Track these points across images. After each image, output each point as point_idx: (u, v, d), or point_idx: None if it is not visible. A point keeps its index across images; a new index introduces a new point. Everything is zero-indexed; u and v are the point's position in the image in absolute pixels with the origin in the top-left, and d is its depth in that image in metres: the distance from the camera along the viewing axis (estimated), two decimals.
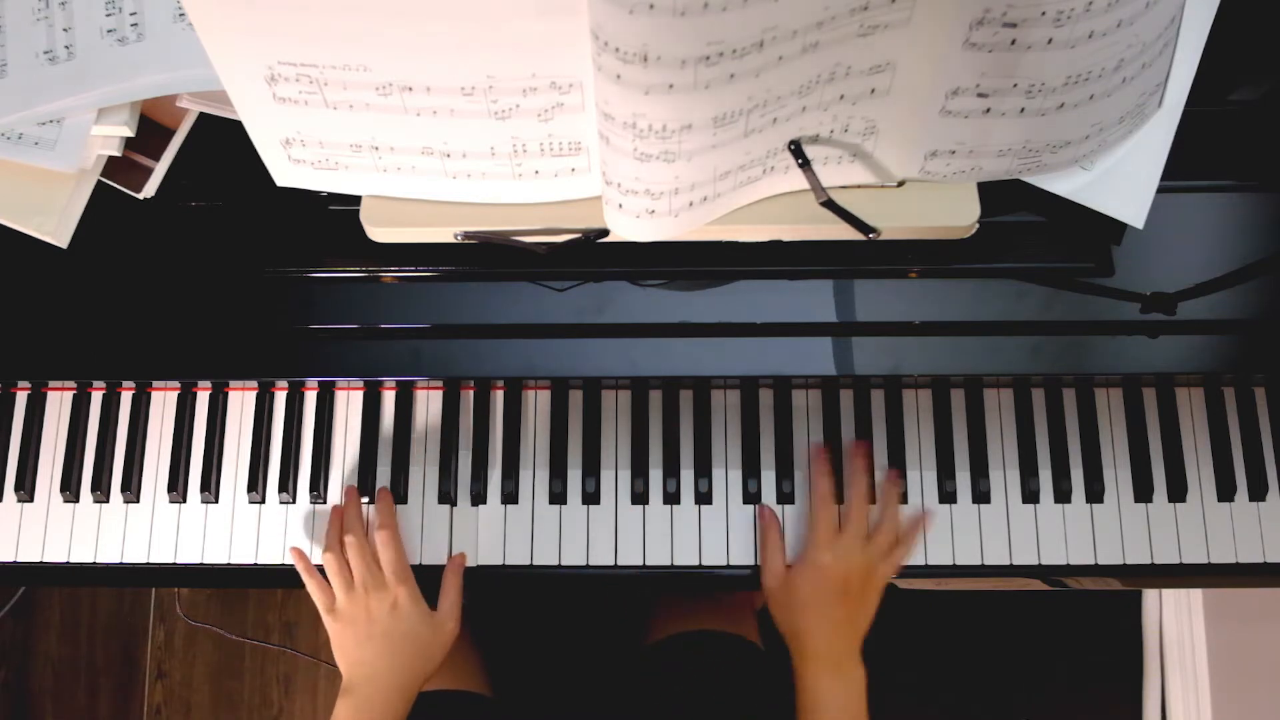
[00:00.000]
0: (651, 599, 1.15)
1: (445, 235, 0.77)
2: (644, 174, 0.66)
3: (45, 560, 0.88)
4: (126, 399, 0.91)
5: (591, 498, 0.87)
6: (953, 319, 0.81)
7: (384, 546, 0.83)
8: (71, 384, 0.91)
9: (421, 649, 0.81)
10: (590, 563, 0.86)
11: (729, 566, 0.86)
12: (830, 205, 0.73)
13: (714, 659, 0.98)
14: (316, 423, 0.90)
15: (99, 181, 0.85)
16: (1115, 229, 0.79)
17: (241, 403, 0.91)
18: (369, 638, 0.81)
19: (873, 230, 0.74)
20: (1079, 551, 0.85)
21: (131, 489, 0.89)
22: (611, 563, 0.86)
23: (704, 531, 0.86)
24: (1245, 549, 0.85)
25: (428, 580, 0.85)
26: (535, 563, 0.86)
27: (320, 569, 0.85)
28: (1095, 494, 0.86)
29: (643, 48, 0.56)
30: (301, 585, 0.85)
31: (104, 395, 0.91)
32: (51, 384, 0.91)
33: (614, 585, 0.87)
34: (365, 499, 0.88)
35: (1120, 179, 0.77)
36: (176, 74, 0.79)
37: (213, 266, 0.84)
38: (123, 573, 0.88)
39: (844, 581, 0.80)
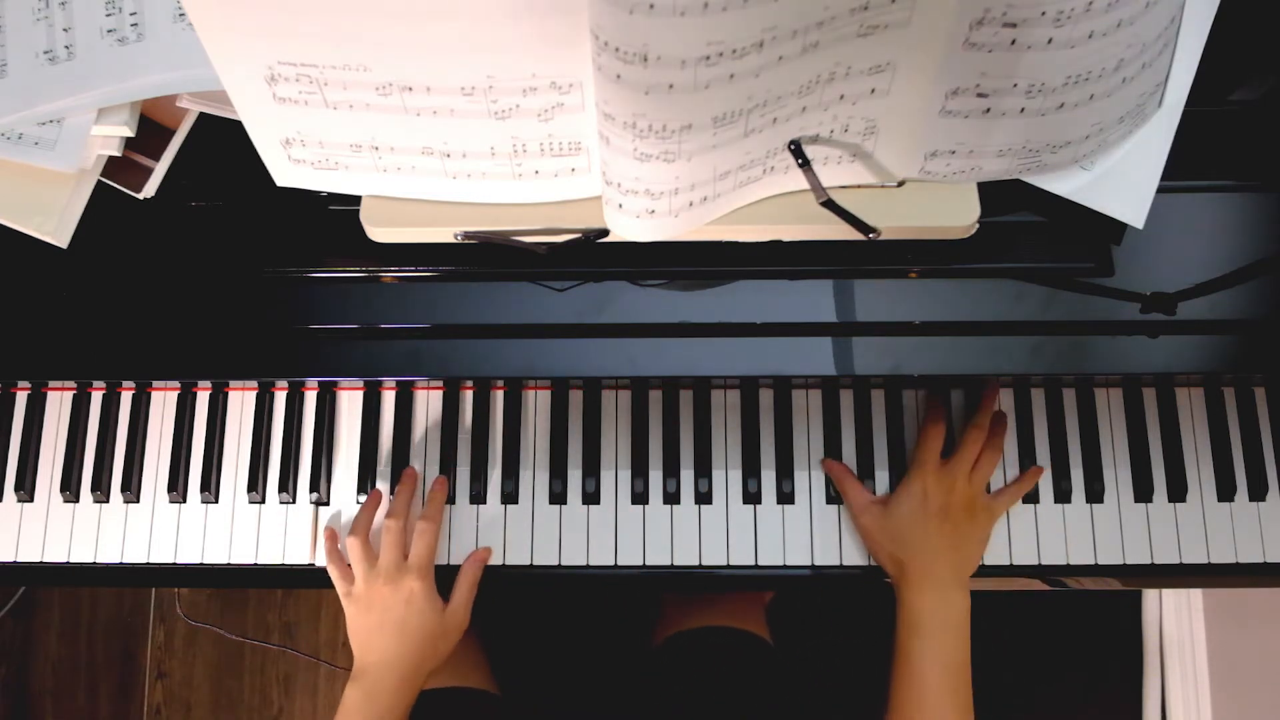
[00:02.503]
0: (657, 599, 1.15)
1: (445, 235, 0.77)
2: (644, 174, 0.66)
3: (45, 560, 0.88)
4: (126, 399, 0.91)
5: (591, 498, 0.87)
6: (953, 319, 0.81)
7: (420, 535, 0.83)
8: (71, 384, 0.91)
9: (431, 640, 0.82)
10: (590, 563, 0.86)
11: (729, 566, 0.86)
12: (830, 205, 0.73)
13: (723, 655, 0.98)
14: (316, 423, 0.90)
15: (99, 181, 0.84)
16: (1115, 229, 0.79)
17: (241, 403, 0.91)
18: (381, 625, 0.81)
19: (873, 230, 0.74)
20: (1079, 551, 0.85)
21: (131, 489, 0.89)
22: (611, 563, 0.86)
23: (704, 531, 0.86)
24: (1245, 549, 0.85)
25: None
26: (535, 563, 0.86)
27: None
28: (1095, 494, 0.86)
29: (643, 48, 0.56)
30: (300, 586, 0.85)
31: (104, 395, 0.91)
32: (51, 384, 0.91)
33: (614, 585, 0.87)
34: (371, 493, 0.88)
35: (1120, 179, 0.77)
36: (176, 74, 0.79)
37: (213, 266, 0.84)
38: (123, 573, 0.88)
39: (944, 507, 0.81)
